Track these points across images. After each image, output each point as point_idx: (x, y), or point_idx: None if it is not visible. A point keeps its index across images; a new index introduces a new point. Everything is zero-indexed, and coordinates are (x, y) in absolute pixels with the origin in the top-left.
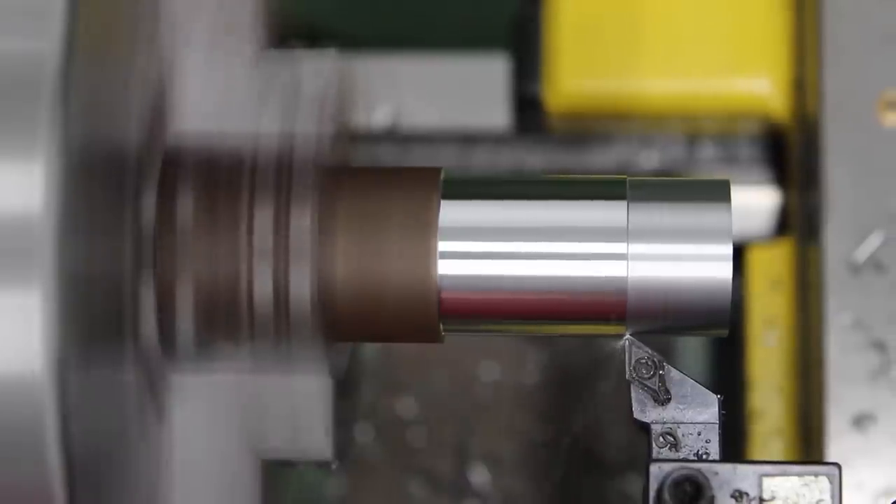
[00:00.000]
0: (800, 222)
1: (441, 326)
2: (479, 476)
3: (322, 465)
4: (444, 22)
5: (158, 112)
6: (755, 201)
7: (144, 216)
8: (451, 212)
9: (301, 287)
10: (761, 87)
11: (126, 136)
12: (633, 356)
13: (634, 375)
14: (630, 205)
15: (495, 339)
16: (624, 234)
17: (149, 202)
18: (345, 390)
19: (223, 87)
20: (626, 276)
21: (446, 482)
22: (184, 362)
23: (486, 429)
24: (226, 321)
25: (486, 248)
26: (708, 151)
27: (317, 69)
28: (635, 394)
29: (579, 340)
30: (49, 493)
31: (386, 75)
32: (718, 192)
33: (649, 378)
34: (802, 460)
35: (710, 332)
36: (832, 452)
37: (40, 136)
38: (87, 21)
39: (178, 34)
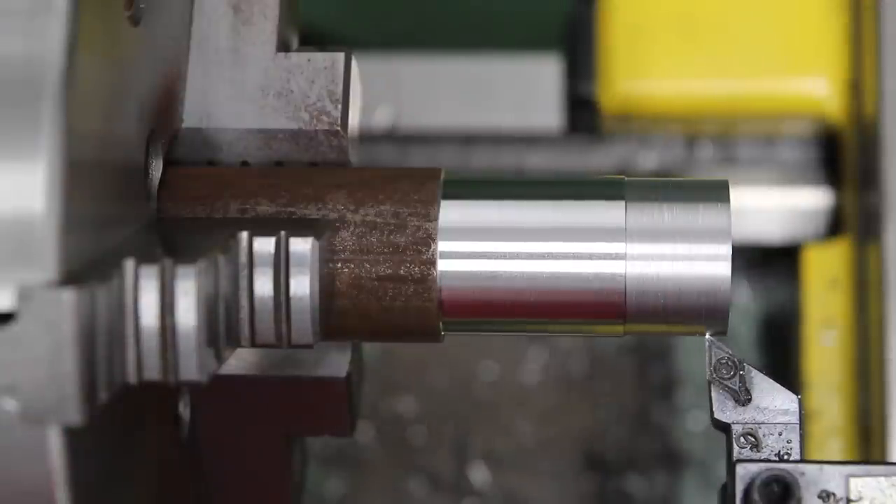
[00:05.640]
0: (857, 222)
1: (441, 326)
2: (479, 474)
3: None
4: (492, 24)
5: (165, 107)
6: (806, 202)
7: (149, 216)
8: (451, 212)
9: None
10: (817, 87)
11: (129, 133)
12: (713, 357)
13: (715, 376)
14: (628, 205)
15: (495, 339)
16: (622, 234)
17: (152, 203)
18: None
19: (234, 84)
20: (625, 276)
21: (446, 481)
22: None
23: (485, 428)
24: (228, 323)
25: (485, 248)
26: (752, 151)
27: (323, 69)
28: (716, 394)
29: (579, 340)
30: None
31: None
32: (717, 193)
33: (730, 378)
34: (888, 461)
35: (710, 332)
36: None
37: (42, 135)
38: (88, 21)
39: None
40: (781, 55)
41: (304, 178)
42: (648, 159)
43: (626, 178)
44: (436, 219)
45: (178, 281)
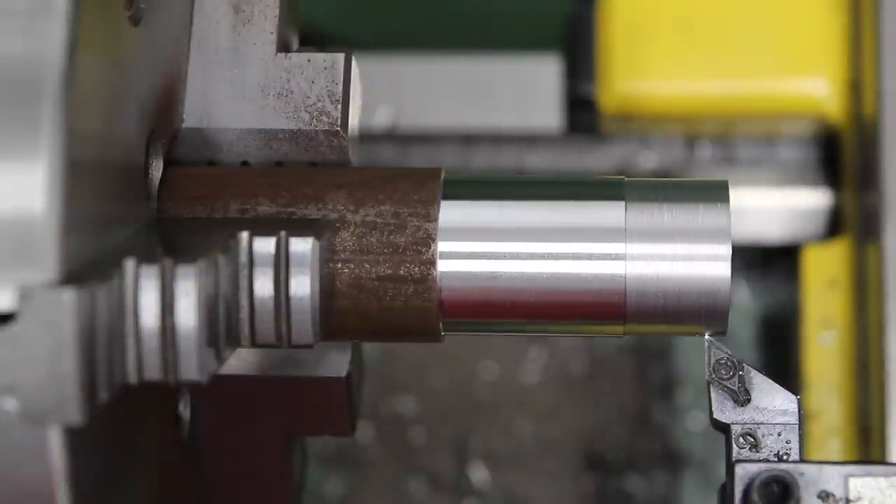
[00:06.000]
0: (857, 222)
1: (441, 326)
2: (479, 474)
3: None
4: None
5: (165, 107)
6: (806, 202)
7: (149, 216)
8: (451, 212)
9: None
10: (817, 87)
11: (129, 133)
12: (712, 357)
13: (714, 376)
14: (628, 205)
15: (495, 339)
16: (622, 235)
17: (152, 203)
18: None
19: (234, 84)
20: (625, 276)
21: (446, 481)
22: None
23: (485, 428)
24: (228, 323)
25: (485, 249)
26: (752, 151)
27: (323, 70)
28: (715, 394)
29: (579, 340)
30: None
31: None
32: (717, 193)
33: (729, 379)
34: (887, 461)
35: (710, 332)
36: (895, 452)
37: (42, 135)
38: (88, 21)
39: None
40: (781, 55)
41: (304, 178)
42: (648, 159)
43: (625, 179)
44: (436, 219)
45: (178, 281)
